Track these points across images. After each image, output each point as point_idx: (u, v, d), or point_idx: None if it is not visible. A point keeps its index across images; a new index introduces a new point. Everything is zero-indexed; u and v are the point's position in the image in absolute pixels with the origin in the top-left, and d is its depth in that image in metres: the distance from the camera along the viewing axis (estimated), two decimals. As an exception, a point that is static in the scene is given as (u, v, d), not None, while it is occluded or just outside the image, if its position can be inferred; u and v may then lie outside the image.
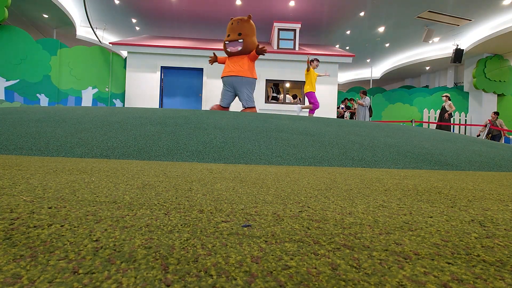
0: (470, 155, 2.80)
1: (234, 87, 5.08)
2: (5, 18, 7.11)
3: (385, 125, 4.14)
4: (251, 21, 5.08)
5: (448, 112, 8.68)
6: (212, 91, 8.82)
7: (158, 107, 8.43)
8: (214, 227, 0.64)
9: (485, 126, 8.71)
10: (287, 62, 8.84)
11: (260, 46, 4.91)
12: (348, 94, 12.07)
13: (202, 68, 8.79)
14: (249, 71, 5.11)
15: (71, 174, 1.23)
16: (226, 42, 5.09)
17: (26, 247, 0.49)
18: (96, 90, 8.47)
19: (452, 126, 10.32)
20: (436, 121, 9.18)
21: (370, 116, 8.97)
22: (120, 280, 0.39)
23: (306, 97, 6.32)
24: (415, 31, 10.13)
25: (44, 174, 1.19)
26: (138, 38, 9.63)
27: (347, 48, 12.21)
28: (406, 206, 0.91)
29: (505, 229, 0.70)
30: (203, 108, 8.76)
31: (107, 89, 8.57)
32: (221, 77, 5.21)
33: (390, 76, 14.84)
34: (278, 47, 8.93)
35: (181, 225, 0.64)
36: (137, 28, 11.18)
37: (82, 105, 8.33)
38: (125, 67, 8.68)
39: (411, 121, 8.56)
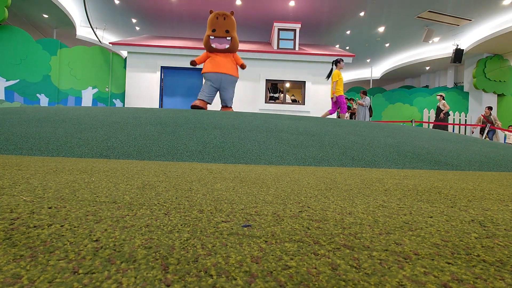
0: (470, 155, 2.80)
1: (220, 84, 5.02)
2: (5, 18, 7.11)
3: (385, 125, 4.14)
4: (233, 17, 5.09)
5: (444, 111, 8.67)
6: (212, 91, 8.80)
7: (158, 107, 8.42)
8: (214, 227, 0.64)
9: (480, 122, 8.74)
10: (287, 62, 8.84)
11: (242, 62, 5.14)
12: (348, 94, 12.06)
13: (202, 68, 8.78)
14: (236, 70, 5.14)
15: (71, 174, 1.23)
16: (211, 38, 4.98)
17: (26, 247, 0.49)
18: (96, 90, 8.46)
19: (452, 126, 10.33)
20: (433, 121, 9.17)
21: (370, 116, 8.96)
22: (120, 280, 0.39)
23: (336, 101, 5.72)
24: (415, 31, 10.14)
25: (44, 174, 1.19)
26: (138, 38, 9.62)
27: (347, 48, 12.21)
28: (406, 206, 0.90)
29: (505, 229, 0.70)
30: (203, 108, 8.72)
31: (107, 89, 8.56)
32: (205, 73, 5.07)
33: (390, 76, 14.85)
34: (278, 47, 8.93)
35: (181, 225, 0.64)
36: (137, 28, 11.18)
37: (82, 105, 8.32)
38: (125, 67, 8.67)
39: (411, 121, 8.55)
